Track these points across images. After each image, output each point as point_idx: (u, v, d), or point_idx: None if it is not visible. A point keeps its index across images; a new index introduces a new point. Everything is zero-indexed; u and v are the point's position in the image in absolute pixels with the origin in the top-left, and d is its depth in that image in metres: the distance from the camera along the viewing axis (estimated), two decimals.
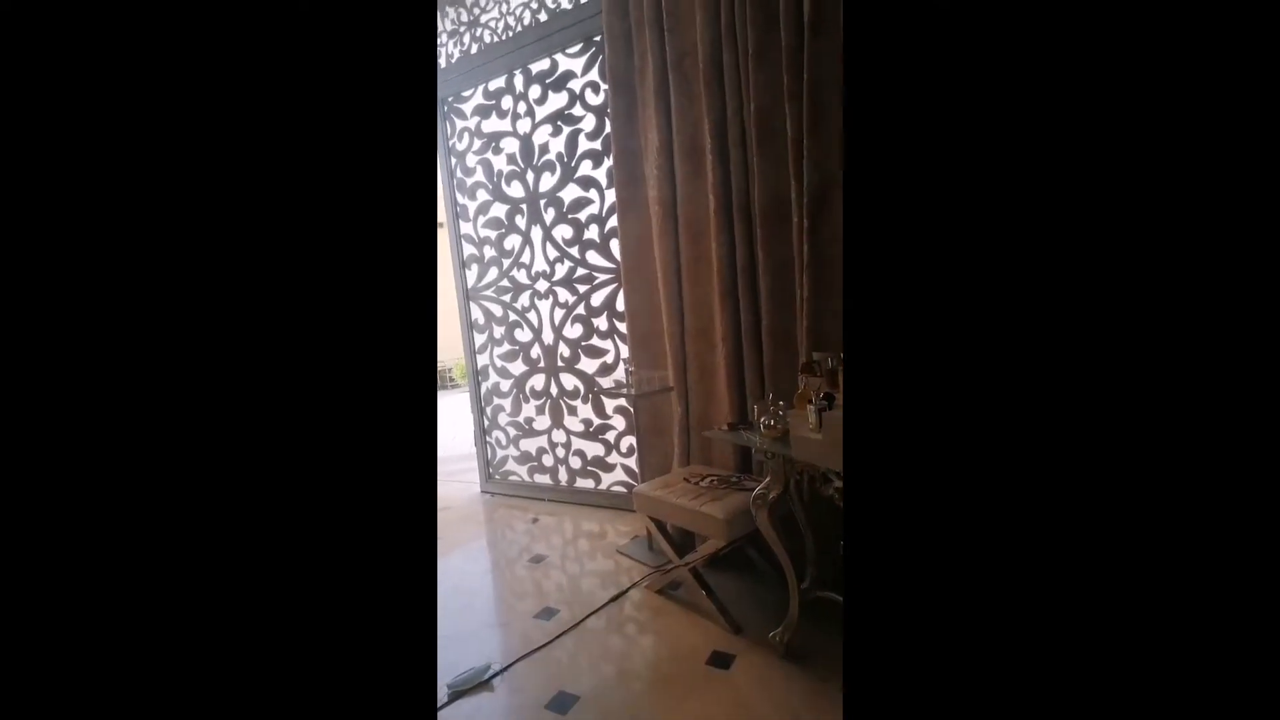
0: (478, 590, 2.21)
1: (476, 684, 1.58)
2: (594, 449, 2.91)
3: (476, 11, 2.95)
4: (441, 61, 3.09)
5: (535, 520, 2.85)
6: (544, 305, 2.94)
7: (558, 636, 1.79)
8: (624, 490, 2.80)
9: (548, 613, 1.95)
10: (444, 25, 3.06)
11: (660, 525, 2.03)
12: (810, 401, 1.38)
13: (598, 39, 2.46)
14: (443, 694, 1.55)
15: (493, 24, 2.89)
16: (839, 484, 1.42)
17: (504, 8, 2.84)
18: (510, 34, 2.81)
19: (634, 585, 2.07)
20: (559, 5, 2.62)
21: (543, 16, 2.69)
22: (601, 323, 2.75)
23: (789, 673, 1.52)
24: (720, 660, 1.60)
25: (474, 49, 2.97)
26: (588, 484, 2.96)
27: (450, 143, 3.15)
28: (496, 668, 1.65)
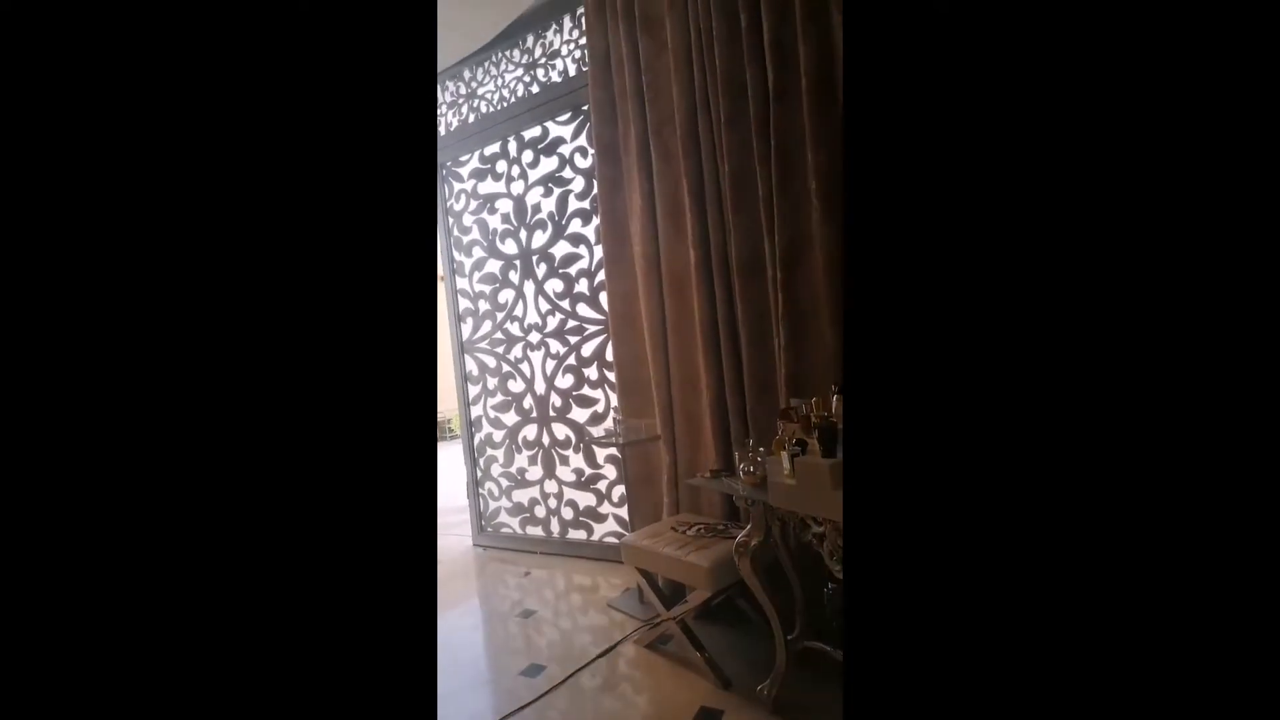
0: (467, 646, 2.17)
1: None
2: (586, 499, 2.90)
3: (474, 85, 3.15)
4: (441, 129, 3.28)
5: (527, 574, 2.82)
6: (536, 356, 3.00)
7: (544, 694, 1.75)
8: (616, 541, 2.77)
9: (535, 669, 1.91)
10: (444, 97, 3.27)
11: (649, 577, 2.02)
12: (784, 448, 1.42)
13: (585, 108, 2.63)
14: None
15: (488, 95, 3.09)
16: (817, 529, 1.43)
17: (499, 81, 3.04)
18: (504, 105, 3.00)
19: (623, 640, 2.04)
20: (550, 78, 2.82)
21: (534, 89, 2.88)
22: (592, 372, 2.81)
23: None
24: (708, 717, 1.57)
25: (471, 118, 3.16)
26: (580, 535, 2.93)
27: (449, 203, 3.30)
28: None
